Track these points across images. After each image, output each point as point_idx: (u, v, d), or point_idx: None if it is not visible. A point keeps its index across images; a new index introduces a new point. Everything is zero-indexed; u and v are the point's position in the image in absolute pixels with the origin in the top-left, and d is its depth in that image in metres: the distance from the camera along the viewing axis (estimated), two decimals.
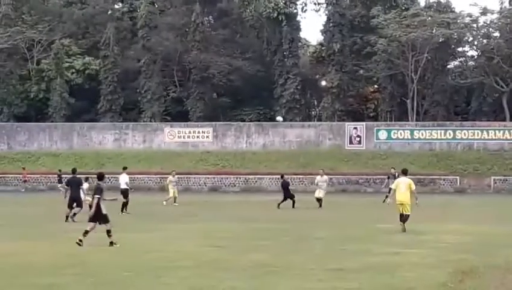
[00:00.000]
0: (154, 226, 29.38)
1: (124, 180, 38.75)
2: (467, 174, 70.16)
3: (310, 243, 22.86)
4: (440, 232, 26.14)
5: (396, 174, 40.63)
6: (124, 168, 40.76)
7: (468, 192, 66.87)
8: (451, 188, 68.98)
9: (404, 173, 28.31)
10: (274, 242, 23.07)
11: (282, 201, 41.68)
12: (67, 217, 31.17)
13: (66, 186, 32.90)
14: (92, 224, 22.09)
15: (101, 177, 22.92)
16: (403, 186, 27.13)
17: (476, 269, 16.76)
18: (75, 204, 31.18)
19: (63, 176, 65.90)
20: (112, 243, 21.58)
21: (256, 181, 70.34)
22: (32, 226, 29.43)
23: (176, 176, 47.87)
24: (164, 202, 43.81)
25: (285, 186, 42.61)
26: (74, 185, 31.71)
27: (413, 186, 27.35)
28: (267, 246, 21.89)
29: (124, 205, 36.40)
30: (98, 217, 22.04)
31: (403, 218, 26.97)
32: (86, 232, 21.91)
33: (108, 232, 21.84)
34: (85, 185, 34.40)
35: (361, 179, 68.56)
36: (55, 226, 29.24)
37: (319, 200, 42.72)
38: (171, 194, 45.28)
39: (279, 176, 69.30)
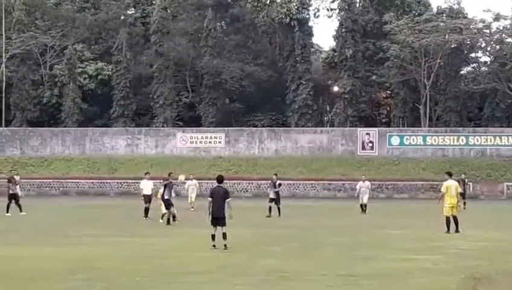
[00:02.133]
0: (166, 232, 29.42)
1: (148, 185, 38.25)
2: (480, 180, 69.87)
3: (321, 249, 22.81)
4: (452, 238, 26.03)
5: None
6: (146, 174, 40.43)
7: (481, 198, 66.59)
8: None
9: (450, 175, 28.78)
10: (285, 248, 23.04)
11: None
12: None
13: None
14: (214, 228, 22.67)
15: (221, 180, 23.18)
16: (453, 189, 27.74)
17: (488, 276, 16.70)
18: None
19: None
20: (225, 246, 22.06)
21: (268, 187, 69.98)
22: (44, 231, 29.49)
23: (195, 180, 47.65)
24: (192, 209, 43.67)
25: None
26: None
27: (460, 189, 28.24)
28: (278, 252, 21.87)
29: (147, 211, 36.37)
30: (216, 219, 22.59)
31: (451, 220, 27.70)
32: (213, 236, 22.48)
33: (224, 235, 22.32)
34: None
35: (374, 184, 68.20)
36: (67, 231, 29.29)
37: (362, 206, 42.59)
38: (188, 199, 45.27)
39: (291, 182, 69.91)
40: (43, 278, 16.51)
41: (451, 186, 27.90)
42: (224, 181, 23.50)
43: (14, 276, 16.71)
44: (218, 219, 22.52)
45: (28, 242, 24.76)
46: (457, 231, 27.55)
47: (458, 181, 33.21)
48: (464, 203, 45.33)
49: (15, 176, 42.83)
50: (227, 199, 22.59)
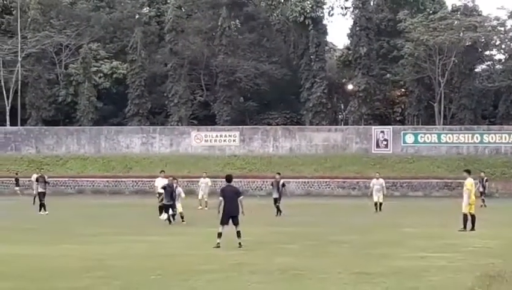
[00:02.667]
0: (180, 230, 29.52)
1: (163, 183, 38.09)
2: (495, 178, 69.39)
3: (336, 247, 22.87)
4: (467, 236, 26.04)
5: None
6: (161, 172, 40.49)
7: (495, 196, 66.20)
8: (478, 192, 68.21)
9: (470, 173, 28.96)
10: (300, 246, 23.13)
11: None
12: None
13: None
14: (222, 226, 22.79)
15: (230, 179, 23.45)
16: (475, 187, 28.12)
17: (503, 274, 16.68)
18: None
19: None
20: (240, 244, 22.24)
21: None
22: (60, 230, 29.66)
23: (207, 178, 47.61)
24: (205, 207, 43.70)
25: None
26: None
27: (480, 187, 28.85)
28: (292, 250, 21.95)
29: (161, 209, 36.32)
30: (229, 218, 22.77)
31: (468, 218, 27.92)
32: (219, 234, 22.56)
33: (238, 233, 22.54)
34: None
35: (388, 182, 67.99)
36: (83, 229, 29.46)
37: (376, 204, 42.43)
38: (200, 197, 45.33)
39: (305, 180, 69.98)
40: (60, 276, 16.65)
41: (473, 184, 28.17)
42: (239, 179, 23.66)
43: (30, 274, 16.86)
44: (231, 218, 22.61)
45: (45, 240, 24.92)
46: (473, 229, 27.61)
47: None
48: (483, 201, 45.53)
49: (44, 175, 43.98)
50: (240, 197, 22.89)
